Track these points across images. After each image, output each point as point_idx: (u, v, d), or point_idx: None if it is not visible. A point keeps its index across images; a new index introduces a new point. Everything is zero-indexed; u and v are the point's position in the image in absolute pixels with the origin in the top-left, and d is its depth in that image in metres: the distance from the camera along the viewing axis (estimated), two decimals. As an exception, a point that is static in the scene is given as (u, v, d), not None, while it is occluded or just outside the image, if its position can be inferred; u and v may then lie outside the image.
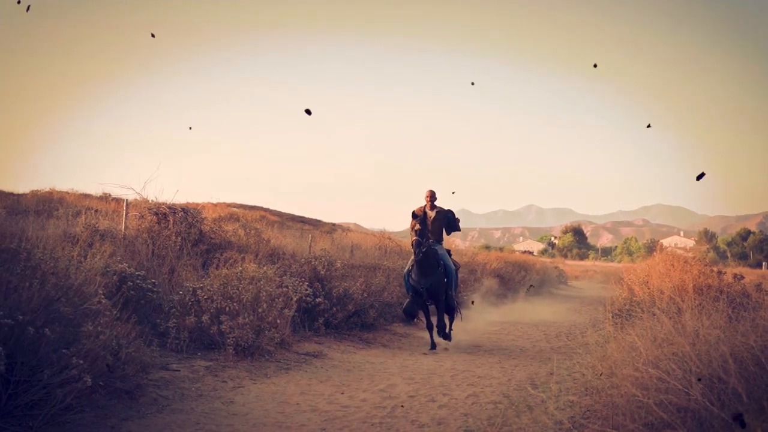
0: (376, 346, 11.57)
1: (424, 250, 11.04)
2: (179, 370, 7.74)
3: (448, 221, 11.91)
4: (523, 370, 9.63)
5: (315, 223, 35.37)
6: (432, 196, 11.89)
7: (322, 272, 12.40)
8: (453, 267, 11.77)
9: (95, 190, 21.85)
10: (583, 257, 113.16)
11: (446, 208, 11.95)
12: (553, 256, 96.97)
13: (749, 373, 4.20)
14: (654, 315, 6.03)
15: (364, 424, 6.33)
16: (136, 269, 9.45)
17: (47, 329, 5.23)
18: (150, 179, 12.96)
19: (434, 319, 11.55)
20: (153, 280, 9.54)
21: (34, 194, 21.56)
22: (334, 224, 37.10)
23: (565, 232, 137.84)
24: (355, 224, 43.15)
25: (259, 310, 8.88)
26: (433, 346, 11.36)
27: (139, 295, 8.94)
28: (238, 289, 8.99)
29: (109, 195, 18.81)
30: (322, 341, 10.98)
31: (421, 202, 11.83)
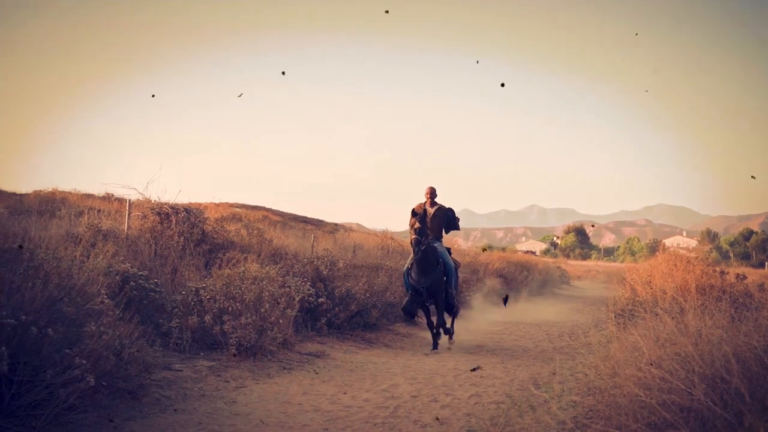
0: (379, 346, 11.58)
1: (423, 248, 11.03)
2: (182, 370, 7.75)
3: (448, 220, 11.89)
4: (525, 370, 9.62)
5: (317, 223, 35.34)
6: (432, 193, 11.88)
7: (325, 272, 12.40)
8: (453, 265, 11.74)
9: (98, 190, 21.83)
10: (585, 257, 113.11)
11: (447, 206, 11.93)
12: (555, 256, 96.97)
13: (752, 373, 4.20)
14: (657, 315, 6.02)
15: (367, 424, 6.33)
16: (139, 269, 9.45)
17: (50, 329, 5.24)
18: (152, 179, 12.97)
19: (435, 319, 11.51)
20: (156, 280, 9.55)
21: (37, 194, 21.54)
22: (336, 224, 37.07)
23: (567, 232, 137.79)
24: (358, 224, 43.22)
25: (262, 310, 8.88)
26: (435, 346, 11.34)
27: (141, 295, 8.94)
28: (240, 289, 9.00)
29: (112, 195, 18.81)
30: (325, 341, 10.98)
31: (422, 200, 11.83)
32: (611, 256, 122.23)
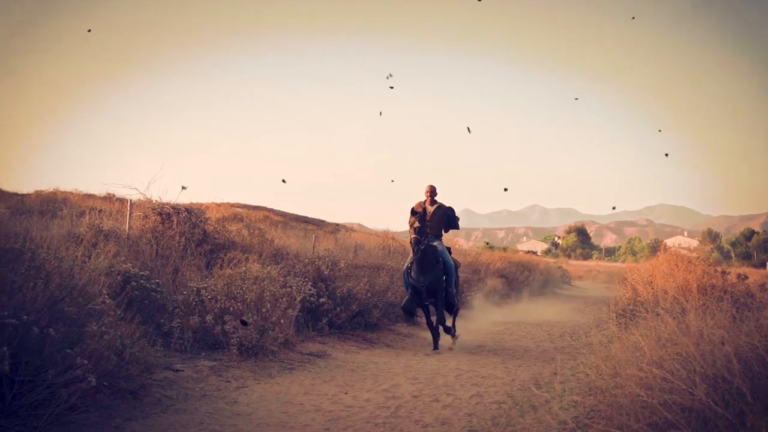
0: (380, 346, 11.57)
1: (422, 248, 11.02)
2: (183, 370, 7.75)
3: (448, 218, 11.84)
4: (526, 370, 9.62)
5: (318, 223, 35.35)
6: (432, 192, 11.81)
7: (326, 272, 12.41)
8: (453, 264, 11.72)
9: (99, 190, 21.82)
10: (586, 257, 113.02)
11: (447, 205, 11.88)
12: (556, 256, 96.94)
13: (754, 373, 4.19)
14: (658, 315, 6.02)
15: (368, 424, 6.33)
16: (140, 269, 9.45)
17: (51, 329, 5.24)
18: (154, 179, 12.97)
19: (434, 319, 11.48)
20: (157, 280, 9.55)
21: (38, 194, 21.54)
22: (337, 224, 37.08)
23: (568, 232, 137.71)
24: (359, 224, 43.24)
25: (263, 310, 8.89)
26: (436, 346, 11.33)
27: (143, 295, 8.95)
28: (242, 289, 9.00)
29: (113, 195, 18.82)
30: (326, 341, 10.98)
31: (422, 198, 11.81)
32: (612, 256, 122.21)
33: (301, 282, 10.98)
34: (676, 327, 5.09)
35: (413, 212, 11.26)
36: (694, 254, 14.88)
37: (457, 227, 12.13)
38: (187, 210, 12.59)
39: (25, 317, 5.08)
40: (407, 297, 11.59)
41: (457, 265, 12.13)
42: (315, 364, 9.27)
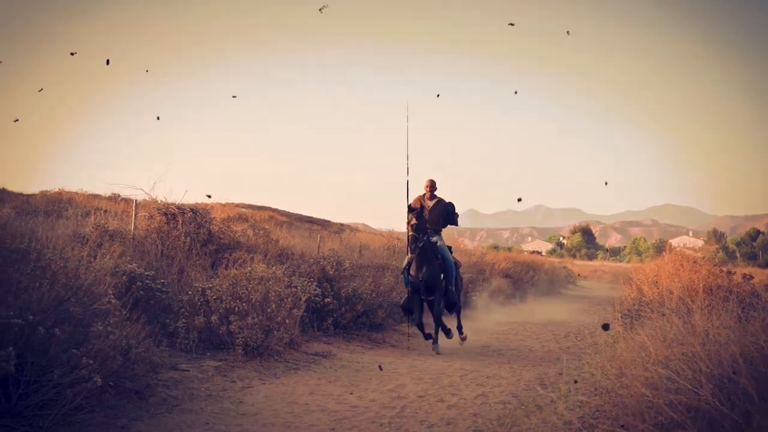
0: (385, 346, 11.58)
1: (421, 245, 10.89)
2: (188, 370, 7.76)
3: (447, 213, 11.68)
4: (532, 370, 9.61)
5: (323, 224, 35.35)
6: (432, 186, 11.67)
7: (331, 272, 12.41)
8: (452, 261, 11.61)
9: (104, 190, 21.87)
10: (591, 257, 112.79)
11: (447, 200, 11.75)
12: (561, 256, 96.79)
13: (760, 373, 4.19)
14: (663, 315, 6.01)
15: (373, 424, 6.33)
16: (146, 269, 9.47)
17: (57, 329, 5.25)
18: (159, 179, 12.98)
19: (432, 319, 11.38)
20: (162, 281, 9.56)
21: (44, 195, 21.60)
22: (342, 224, 37.08)
23: (573, 232, 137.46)
24: (363, 224, 43.17)
25: (268, 310, 8.89)
26: (428, 337, 11.27)
27: (148, 295, 8.96)
28: (247, 290, 9.01)
29: (119, 195, 18.84)
30: (331, 341, 10.99)
31: (421, 193, 11.71)
32: (617, 256, 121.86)
33: (306, 282, 10.98)
34: (681, 327, 5.09)
35: (410, 209, 11.12)
36: (700, 254, 14.86)
37: (456, 223, 12.01)
38: (192, 210, 12.60)
39: (31, 317, 5.08)
40: (407, 296, 11.52)
41: (457, 264, 12.06)
42: (320, 364, 9.27)
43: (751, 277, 13.89)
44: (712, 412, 4.07)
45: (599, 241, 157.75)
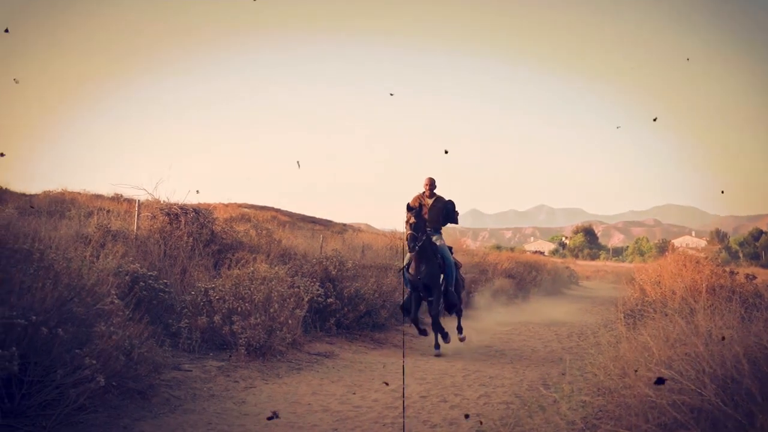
0: (388, 346, 11.57)
1: (420, 244, 10.66)
2: (191, 371, 7.77)
3: (447, 211, 11.52)
4: (534, 370, 9.61)
5: (326, 224, 35.35)
6: (431, 184, 11.52)
7: (334, 272, 12.40)
8: (452, 261, 11.45)
9: (107, 190, 21.92)
10: (594, 257, 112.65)
11: (447, 198, 11.58)
12: (564, 256, 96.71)
13: (763, 373, 4.18)
14: (666, 315, 6.01)
15: (376, 424, 6.33)
16: (148, 270, 9.48)
17: (60, 329, 5.26)
18: (162, 180, 12.99)
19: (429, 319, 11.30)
20: (165, 281, 9.57)
21: (46, 195, 21.61)
22: (344, 224, 37.07)
23: (576, 232, 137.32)
24: (366, 224, 43.16)
25: (271, 310, 8.90)
26: (423, 333, 11.21)
27: (151, 296, 8.97)
28: (249, 290, 9.02)
29: (121, 195, 18.87)
30: (334, 341, 10.98)
31: (421, 192, 11.56)
32: (620, 257, 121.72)
33: (308, 282, 10.98)
34: (685, 327, 5.09)
35: (409, 208, 10.82)
36: (702, 254, 14.86)
37: (456, 221, 11.83)
38: (194, 210, 12.60)
39: (34, 317, 5.09)
40: (406, 296, 11.36)
41: (458, 264, 11.93)
42: (323, 364, 9.28)
43: (754, 277, 13.87)
44: (716, 412, 4.07)
45: (602, 241, 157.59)
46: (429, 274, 10.87)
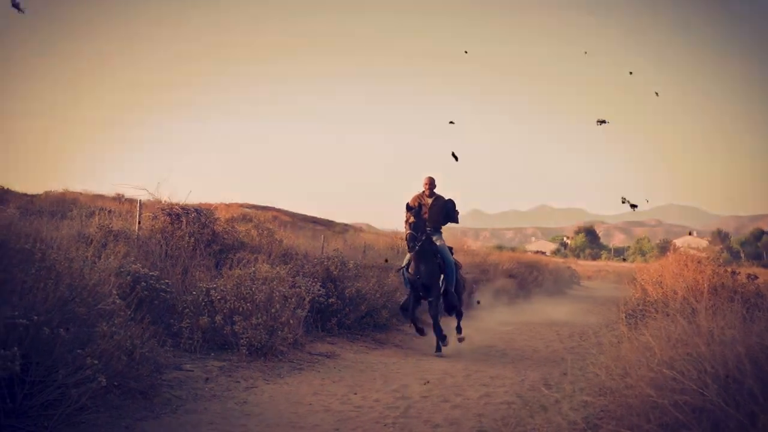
0: (389, 346, 11.57)
1: (419, 244, 10.63)
2: (193, 371, 7.78)
3: (447, 210, 11.46)
4: (536, 370, 9.61)
5: (327, 224, 35.33)
6: (431, 184, 11.45)
7: (335, 272, 12.40)
8: (453, 262, 11.36)
9: (108, 190, 21.91)
10: (595, 257, 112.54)
11: (447, 197, 11.53)
12: (565, 256, 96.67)
13: (765, 373, 4.18)
14: (668, 315, 6.01)
15: (378, 424, 6.34)
16: (150, 270, 9.47)
17: (62, 329, 5.26)
18: (163, 180, 12.99)
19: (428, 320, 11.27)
20: (166, 281, 9.56)
21: (48, 195, 21.63)
22: (346, 225, 37.05)
23: (577, 232, 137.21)
24: (367, 224, 43.15)
25: (272, 310, 8.90)
26: (420, 332, 11.19)
27: (152, 296, 8.96)
28: (251, 290, 9.02)
29: (123, 196, 18.88)
30: (335, 341, 10.99)
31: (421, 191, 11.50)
32: (621, 256, 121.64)
33: (310, 282, 10.98)
34: (686, 327, 5.08)
35: (408, 208, 10.82)
36: (704, 254, 14.81)
37: (456, 221, 11.74)
38: (196, 210, 12.60)
39: (36, 317, 5.09)
40: (406, 297, 11.35)
41: (458, 265, 11.84)
42: (324, 364, 9.28)
43: (756, 277, 13.86)
44: (717, 412, 4.06)
45: (603, 241, 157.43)
46: (428, 274, 10.83)
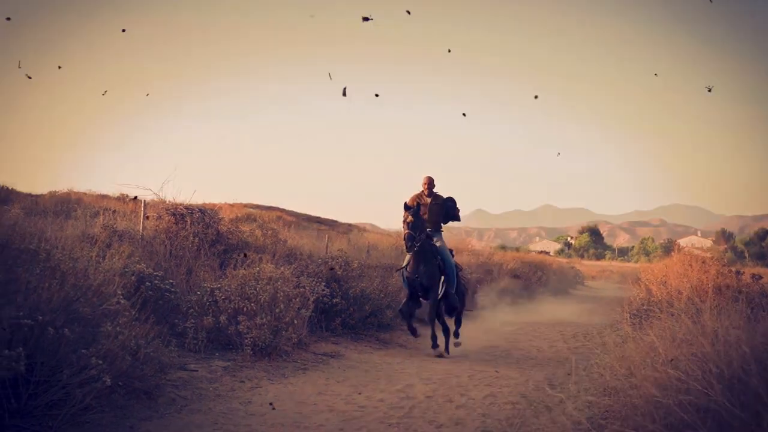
0: (393, 346, 11.56)
1: (419, 244, 10.52)
2: (197, 371, 7.78)
3: (447, 209, 11.38)
4: (540, 370, 9.60)
5: (331, 224, 35.37)
6: (430, 183, 11.32)
7: (339, 272, 12.40)
8: (452, 263, 11.22)
9: (113, 191, 21.96)
10: (599, 257, 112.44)
11: (446, 195, 11.45)
12: (569, 256, 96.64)
13: (770, 373, 4.17)
14: (672, 315, 6.00)
15: (382, 424, 6.33)
16: (154, 270, 9.48)
17: (67, 329, 5.26)
18: (167, 180, 13.01)
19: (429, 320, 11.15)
20: (171, 281, 9.57)
21: (52, 195, 21.68)
22: (350, 225, 37.09)
23: (581, 232, 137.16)
24: (371, 224, 43.21)
25: (277, 310, 8.89)
26: (413, 331, 11.00)
27: (157, 296, 8.97)
28: (255, 290, 9.02)
29: (127, 196, 18.91)
30: (339, 341, 10.98)
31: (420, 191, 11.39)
32: (625, 257, 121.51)
33: (314, 282, 10.97)
34: (691, 327, 5.07)
35: (406, 207, 10.71)
36: (708, 254, 14.82)
37: (457, 218, 11.68)
38: (200, 210, 12.61)
39: (41, 318, 5.09)
40: (405, 299, 11.19)
41: (458, 267, 11.73)
42: (328, 364, 9.28)
43: (760, 277, 13.85)
44: (722, 412, 4.06)
45: (607, 241, 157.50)
46: (428, 275, 10.71)
